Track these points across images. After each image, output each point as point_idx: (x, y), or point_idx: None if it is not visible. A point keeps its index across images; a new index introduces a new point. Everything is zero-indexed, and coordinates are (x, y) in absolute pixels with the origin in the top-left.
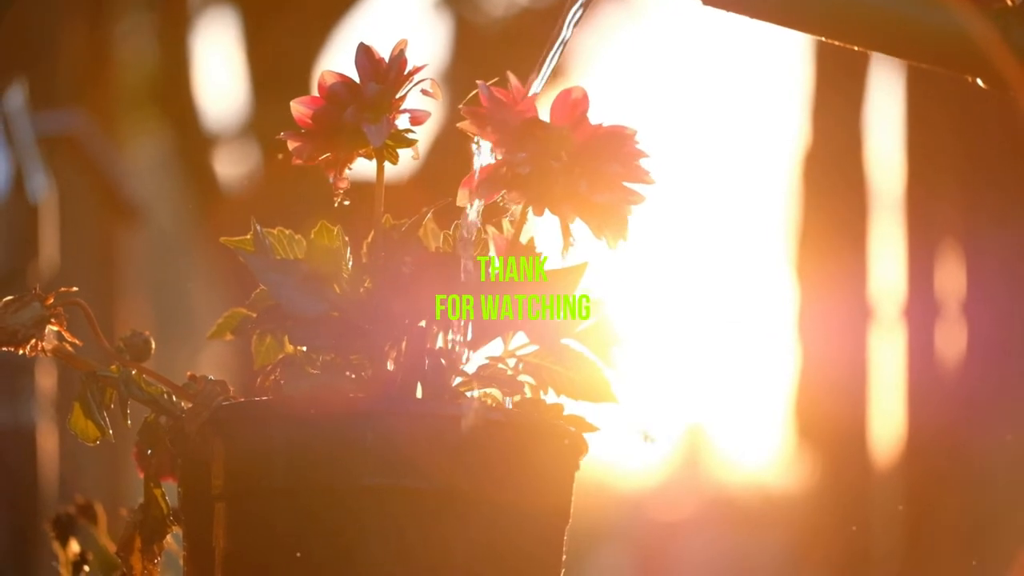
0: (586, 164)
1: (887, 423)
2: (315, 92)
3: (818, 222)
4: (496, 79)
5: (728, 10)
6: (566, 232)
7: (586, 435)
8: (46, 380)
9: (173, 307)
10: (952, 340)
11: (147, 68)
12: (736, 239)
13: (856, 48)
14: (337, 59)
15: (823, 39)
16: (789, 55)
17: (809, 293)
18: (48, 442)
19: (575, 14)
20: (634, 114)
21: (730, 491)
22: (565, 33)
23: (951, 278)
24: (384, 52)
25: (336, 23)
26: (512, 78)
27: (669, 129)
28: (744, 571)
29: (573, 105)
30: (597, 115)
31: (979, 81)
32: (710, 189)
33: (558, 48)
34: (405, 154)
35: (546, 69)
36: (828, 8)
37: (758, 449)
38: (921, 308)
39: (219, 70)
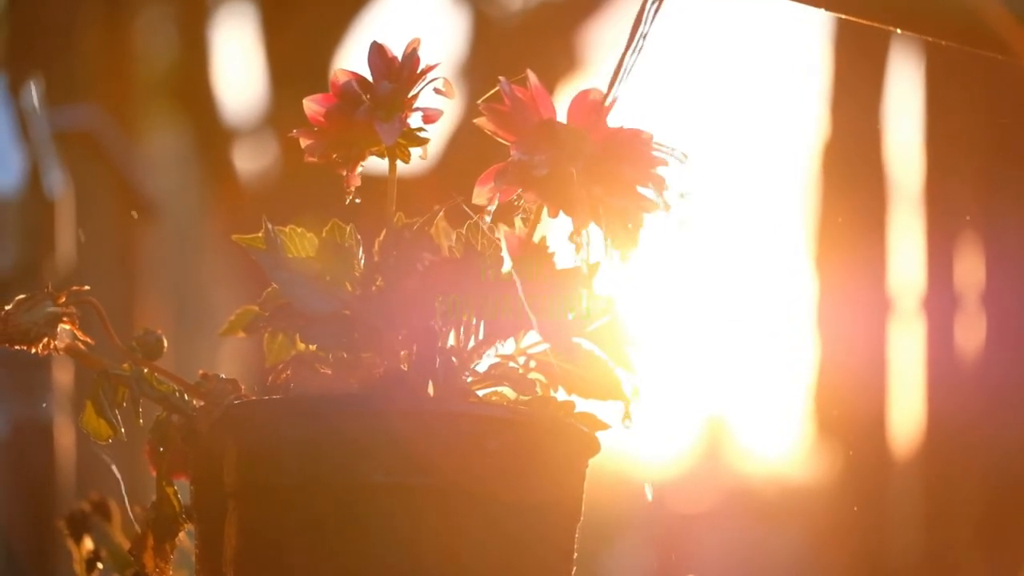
0: (602, 168)
1: (907, 415)
2: (342, 68)
3: (837, 214)
4: (520, 76)
5: None
6: (579, 234)
7: (600, 431)
8: (63, 376)
9: (191, 302)
10: (972, 332)
11: (164, 63)
12: (755, 231)
13: (918, 35)
14: (355, 53)
15: (865, 22)
16: (808, 46)
17: (828, 285)
18: (65, 437)
19: (653, 6)
20: (651, 106)
21: (750, 483)
22: (644, 28)
23: (970, 269)
24: (397, 50)
25: (354, 16)
26: (532, 76)
27: (687, 121)
28: (763, 563)
29: (591, 107)
30: (615, 117)
31: None
32: (728, 181)
33: (638, 44)
34: (417, 152)
35: (626, 68)
36: None
37: (778, 441)
38: (940, 299)
39: (237, 64)
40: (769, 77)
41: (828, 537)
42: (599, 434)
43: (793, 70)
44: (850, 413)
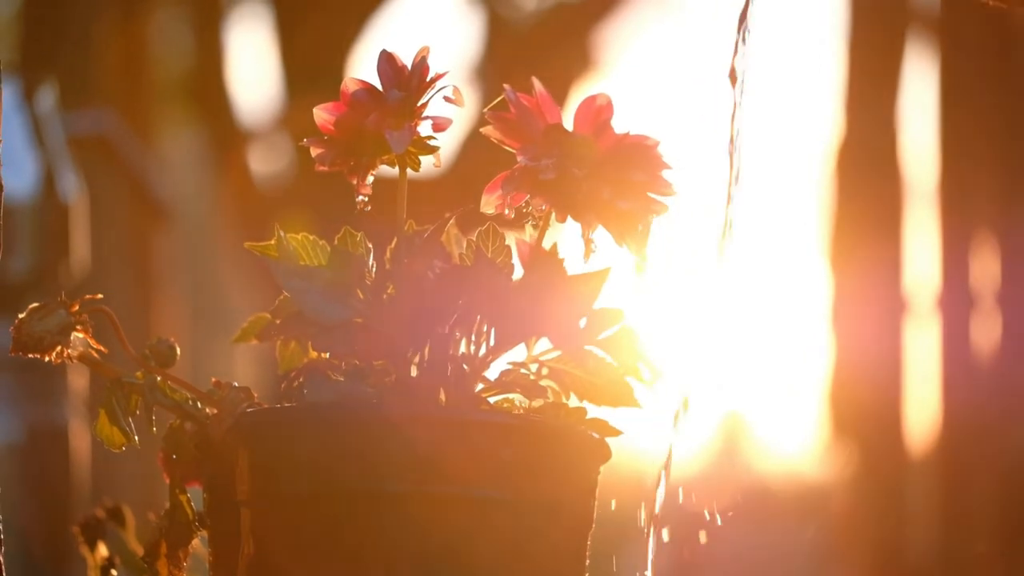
0: (609, 172)
1: (922, 413)
2: (352, 77)
3: (853, 213)
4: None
5: None
6: (588, 238)
7: (611, 437)
8: (79, 380)
9: (206, 306)
10: (987, 330)
11: (179, 66)
12: (771, 230)
13: None
14: (370, 54)
15: None
16: (823, 45)
17: (844, 284)
18: (80, 441)
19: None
20: (666, 105)
21: (766, 481)
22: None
23: (986, 268)
24: (407, 59)
25: (369, 17)
26: (537, 84)
27: (701, 121)
28: (779, 561)
29: (597, 112)
30: (622, 122)
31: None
32: (744, 180)
33: (741, 39)
34: (430, 160)
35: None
36: None
37: (794, 439)
38: (956, 299)
39: (252, 66)
40: (785, 75)
41: (845, 535)
42: (610, 440)
43: (809, 68)
44: (866, 411)
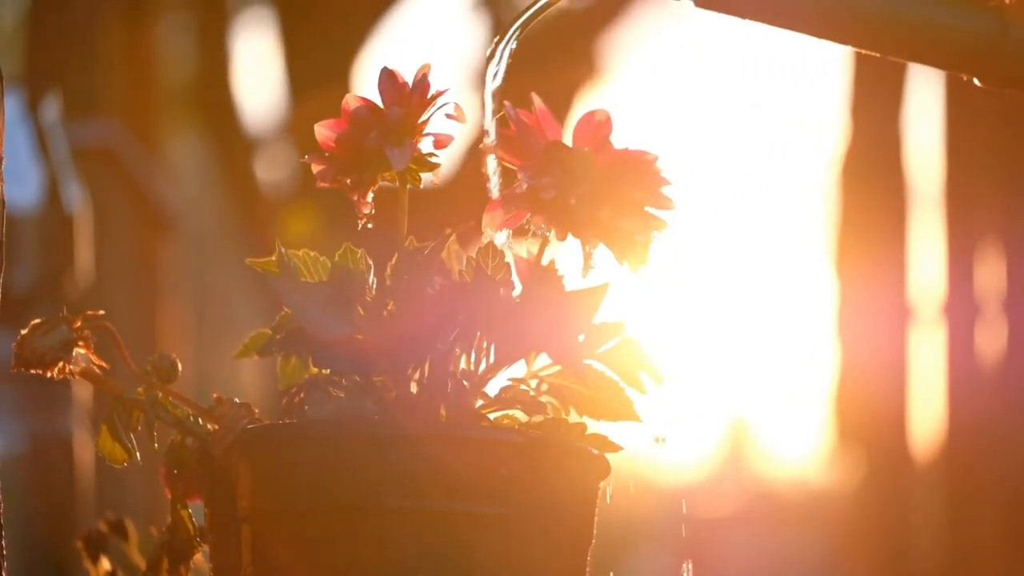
0: (609, 190)
1: (927, 420)
2: (353, 94)
3: (858, 220)
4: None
5: (721, 11)
6: (587, 256)
7: (611, 452)
8: (83, 392)
9: (212, 316)
10: (992, 338)
11: (184, 76)
12: (777, 237)
13: (849, 47)
14: (375, 60)
15: (816, 38)
16: (828, 53)
17: (849, 291)
18: (84, 452)
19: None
20: (671, 113)
21: (773, 487)
22: (495, 67)
23: (991, 276)
24: (408, 75)
25: (374, 24)
26: (536, 100)
27: (708, 129)
28: (786, 567)
29: (596, 128)
30: (621, 137)
31: (975, 80)
32: (750, 188)
33: (502, 54)
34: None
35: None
36: (819, 6)
37: (800, 445)
38: (961, 306)
39: (257, 76)
40: (790, 82)
41: (850, 541)
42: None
43: (814, 79)
44: (872, 417)
